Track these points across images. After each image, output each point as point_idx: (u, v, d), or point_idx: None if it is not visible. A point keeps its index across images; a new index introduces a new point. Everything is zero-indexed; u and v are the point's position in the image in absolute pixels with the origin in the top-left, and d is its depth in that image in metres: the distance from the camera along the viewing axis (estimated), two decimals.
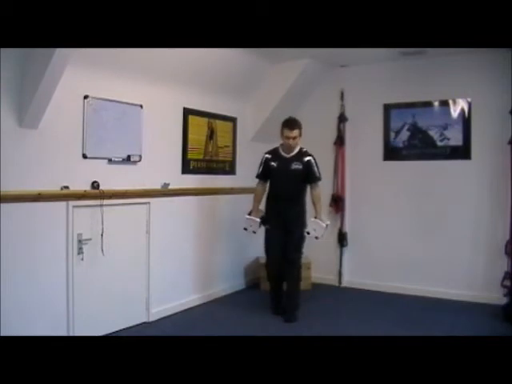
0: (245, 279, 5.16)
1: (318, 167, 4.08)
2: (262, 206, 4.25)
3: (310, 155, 4.06)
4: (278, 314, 4.09)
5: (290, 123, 3.99)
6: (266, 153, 4.16)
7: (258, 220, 4.09)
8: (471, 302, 4.41)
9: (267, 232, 4.14)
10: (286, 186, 4.04)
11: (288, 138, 3.97)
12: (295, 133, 3.96)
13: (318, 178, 4.09)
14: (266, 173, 4.13)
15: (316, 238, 4.04)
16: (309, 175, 4.06)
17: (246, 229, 4.13)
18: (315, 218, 4.04)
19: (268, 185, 4.21)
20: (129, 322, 3.73)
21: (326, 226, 4.05)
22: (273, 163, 4.06)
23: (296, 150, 4.06)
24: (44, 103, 2.94)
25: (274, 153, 4.11)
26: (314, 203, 4.09)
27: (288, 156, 4.05)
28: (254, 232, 4.12)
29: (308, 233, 4.03)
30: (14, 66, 2.85)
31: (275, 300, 4.20)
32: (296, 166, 4.02)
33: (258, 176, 4.21)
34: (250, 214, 4.15)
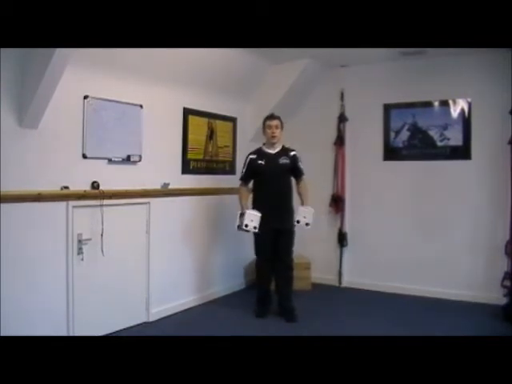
0: (245, 279, 5.16)
1: (301, 162, 4.13)
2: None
3: (294, 150, 4.13)
4: (262, 316, 4.05)
5: (272, 114, 4.11)
6: (250, 153, 4.11)
7: (260, 214, 3.88)
8: (471, 302, 4.41)
9: (257, 233, 3.95)
10: (276, 182, 4.01)
11: (270, 127, 4.02)
12: (276, 122, 4.04)
13: (303, 173, 4.15)
14: (250, 174, 4.08)
15: (307, 224, 3.96)
16: (295, 170, 4.11)
17: (246, 225, 3.83)
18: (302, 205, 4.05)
19: (252, 186, 4.15)
20: (129, 321, 3.73)
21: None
22: (260, 162, 4.02)
23: (280, 147, 4.10)
24: (44, 103, 2.94)
25: (259, 152, 4.09)
26: (300, 193, 4.13)
27: (274, 152, 4.06)
28: (255, 228, 3.86)
29: (298, 221, 3.96)
30: (14, 66, 2.85)
31: (263, 302, 4.14)
32: (284, 160, 4.04)
33: (242, 178, 4.12)
34: (241, 214, 3.93)
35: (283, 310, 4.06)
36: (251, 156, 4.09)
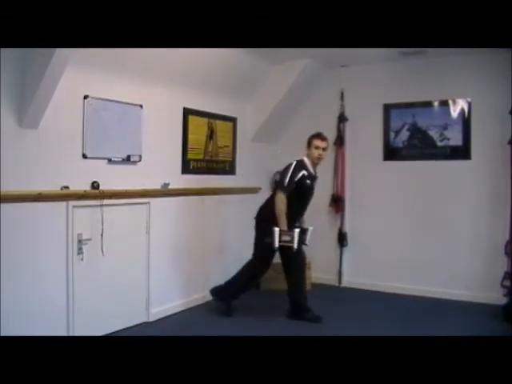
0: None
1: None
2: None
3: None
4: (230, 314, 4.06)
5: (322, 134, 3.96)
6: (301, 167, 3.86)
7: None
8: (471, 302, 4.41)
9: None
10: (308, 204, 4.04)
11: (318, 147, 3.88)
12: (326, 144, 3.93)
13: None
14: (293, 188, 3.82)
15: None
16: None
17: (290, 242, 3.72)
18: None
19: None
20: (129, 321, 3.73)
21: None
22: (308, 181, 3.88)
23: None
24: (44, 103, 2.94)
25: (306, 169, 3.89)
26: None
27: (313, 173, 3.97)
28: (295, 248, 3.76)
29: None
30: (14, 66, 2.85)
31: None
32: (315, 183, 4.04)
33: (287, 190, 3.79)
34: (282, 232, 3.71)
35: (311, 315, 4.01)
36: (304, 172, 3.86)
